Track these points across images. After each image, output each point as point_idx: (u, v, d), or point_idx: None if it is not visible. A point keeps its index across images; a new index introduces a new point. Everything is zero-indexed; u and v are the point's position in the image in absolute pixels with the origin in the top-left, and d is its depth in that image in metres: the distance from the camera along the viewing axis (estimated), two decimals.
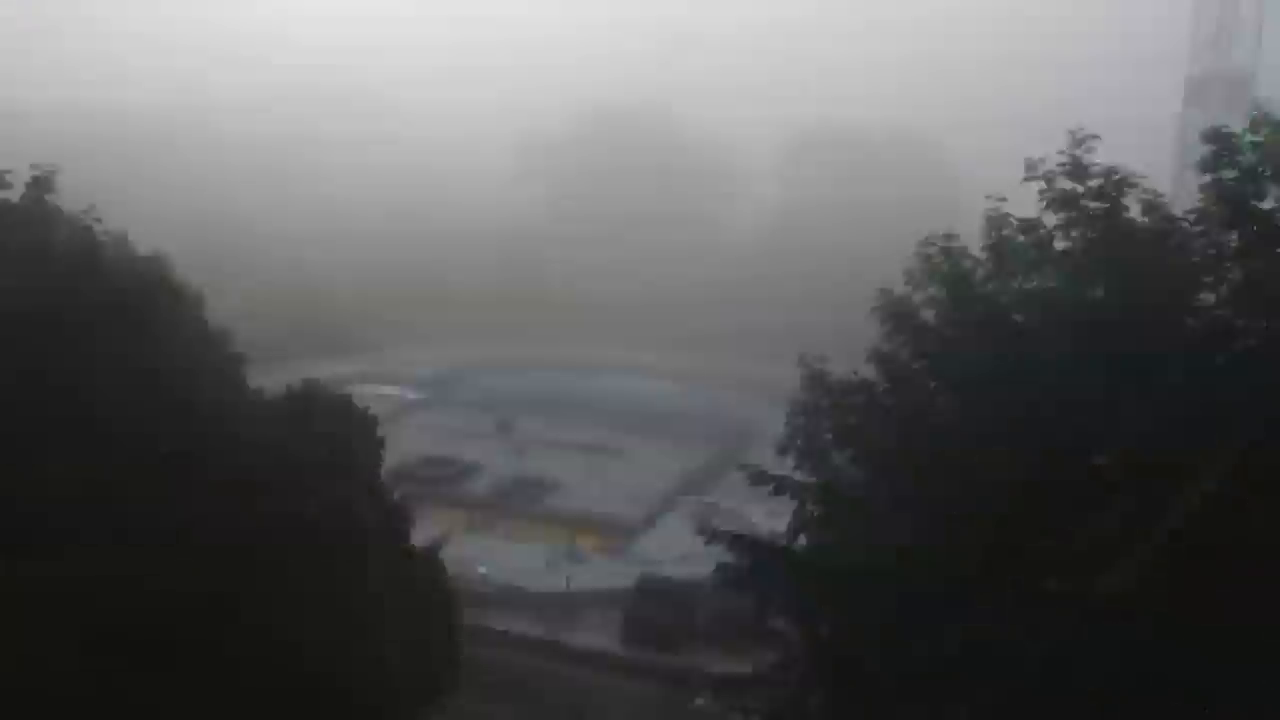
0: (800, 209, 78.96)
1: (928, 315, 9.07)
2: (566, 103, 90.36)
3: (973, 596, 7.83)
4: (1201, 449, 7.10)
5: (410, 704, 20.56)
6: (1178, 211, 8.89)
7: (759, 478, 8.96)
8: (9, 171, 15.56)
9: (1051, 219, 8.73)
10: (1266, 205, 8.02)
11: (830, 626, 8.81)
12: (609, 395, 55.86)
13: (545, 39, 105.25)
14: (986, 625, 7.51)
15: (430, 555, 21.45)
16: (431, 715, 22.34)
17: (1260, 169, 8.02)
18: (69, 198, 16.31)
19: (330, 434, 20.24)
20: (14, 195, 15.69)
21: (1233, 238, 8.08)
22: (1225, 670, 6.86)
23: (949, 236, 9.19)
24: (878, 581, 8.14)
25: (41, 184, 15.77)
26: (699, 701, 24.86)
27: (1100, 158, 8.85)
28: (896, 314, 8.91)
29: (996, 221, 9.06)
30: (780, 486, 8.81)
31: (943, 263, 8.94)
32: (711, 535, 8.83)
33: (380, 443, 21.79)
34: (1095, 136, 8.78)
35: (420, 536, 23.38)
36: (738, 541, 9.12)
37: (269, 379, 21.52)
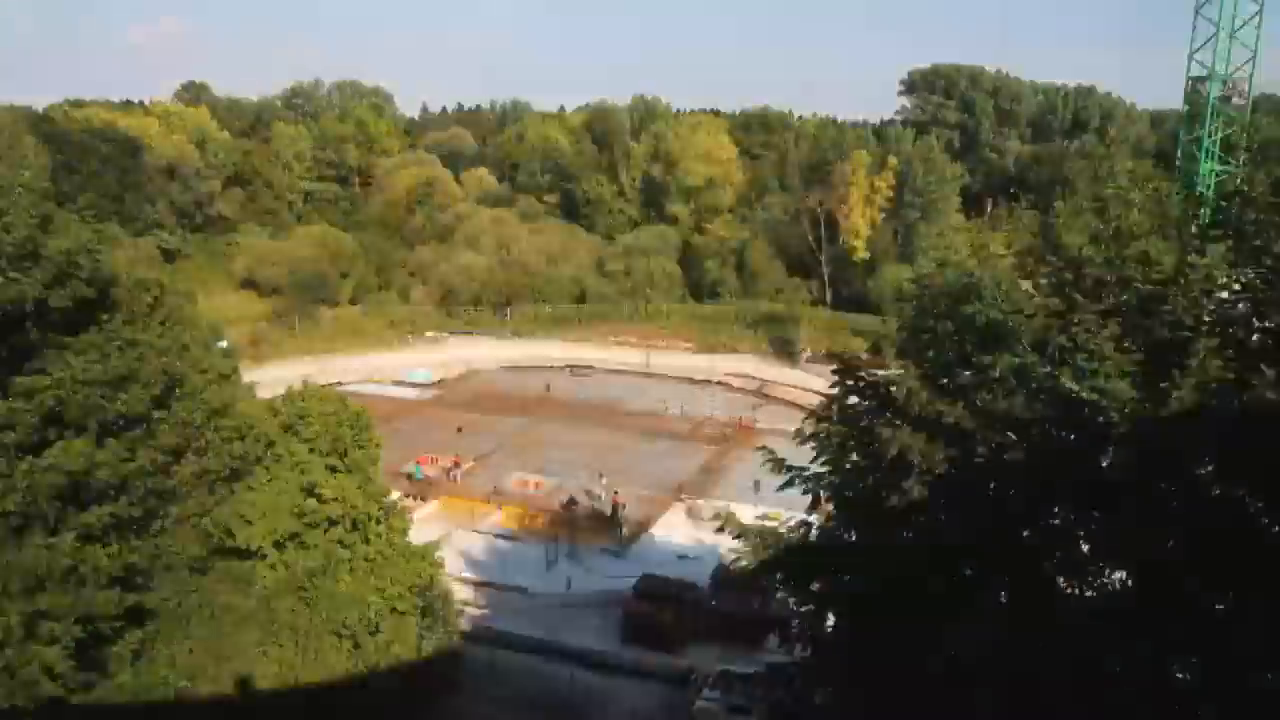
0: None
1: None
2: None
3: (974, 596, 7.81)
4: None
5: (410, 703, 20.53)
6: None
7: (776, 465, 8.93)
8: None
9: None
10: None
11: (835, 622, 8.77)
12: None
13: None
14: (987, 624, 7.48)
15: (429, 554, 21.41)
16: (431, 715, 22.32)
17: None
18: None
19: (328, 432, 20.23)
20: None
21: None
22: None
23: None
24: (883, 578, 8.12)
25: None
26: (700, 702, 24.82)
27: None
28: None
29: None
30: (795, 478, 8.77)
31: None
32: (720, 528, 8.81)
33: (378, 440, 21.77)
34: None
35: (420, 535, 23.42)
36: (743, 535, 9.10)
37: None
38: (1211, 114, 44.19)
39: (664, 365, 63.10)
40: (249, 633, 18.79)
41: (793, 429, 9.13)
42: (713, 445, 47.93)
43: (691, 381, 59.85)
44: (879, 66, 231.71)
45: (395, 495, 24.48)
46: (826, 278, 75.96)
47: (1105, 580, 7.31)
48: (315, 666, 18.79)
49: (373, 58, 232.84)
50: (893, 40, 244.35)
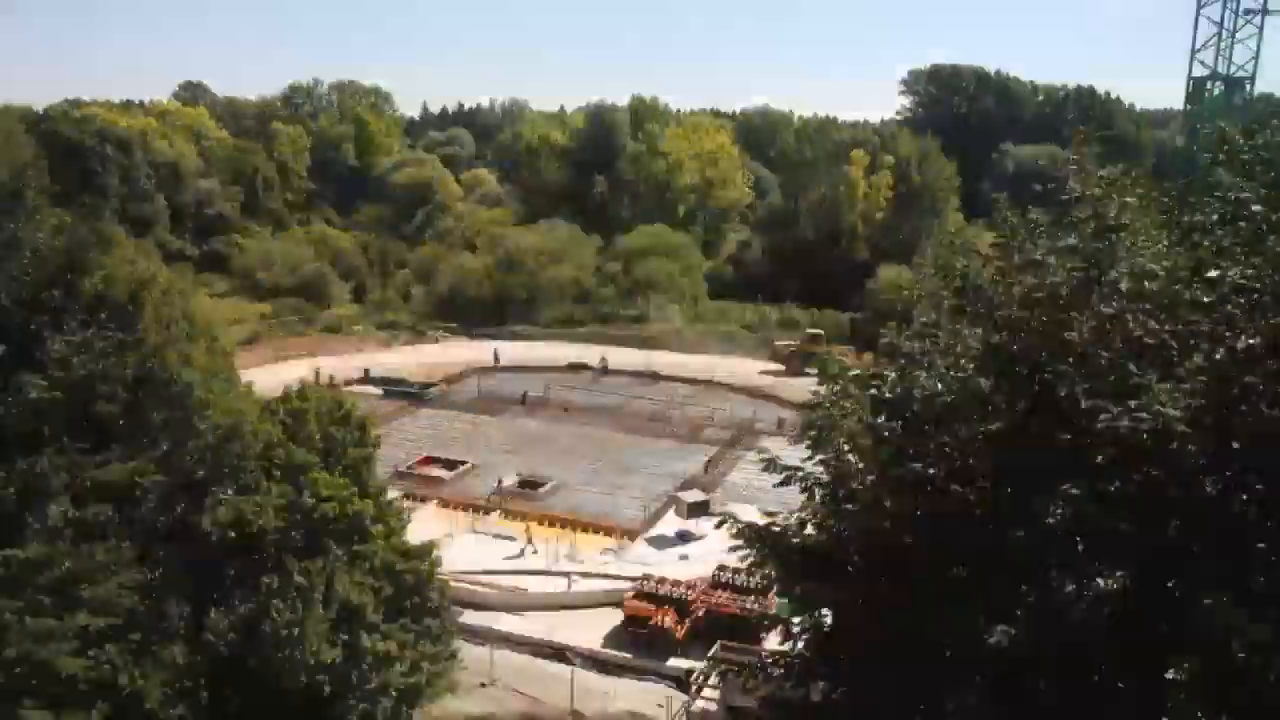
0: None
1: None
2: None
3: (972, 592, 7.78)
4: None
5: (409, 704, 20.46)
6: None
7: (771, 465, 8.88)
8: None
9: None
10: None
11: (834, 618, 8.72)
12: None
13: None
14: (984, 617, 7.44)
15: (428, 554, 21.33)
16: (430, 715, 22.25)
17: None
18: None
19: (325, 433, 20.16)
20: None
21: None
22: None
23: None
24: (883, 574, 8.08)
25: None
26: (700, 703, 24.79)
27: None
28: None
29: None
30: (790, 476, 8.72)
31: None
32: (721, 521, 8.78)
33: (375, 441, 21.70)
34: None
35: (419, 535, 23.32)
36: (744, 532, 9.05)
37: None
38: (1213, 114, 44.26)
39: (663, 365, 63.05)
40: None
41: (791, 429, 9.09)
42: (714, 445, 47.87)
43: (693, 382, 59.77)
44: (879, 66, 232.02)
45: (393, 495, 24.41)
46: (826, 278, 75.96)
47: (1103, 581, 7.23)
48: (312, 666, 18.72)
49: (372, 58, 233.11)
50: (893, 40, 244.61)
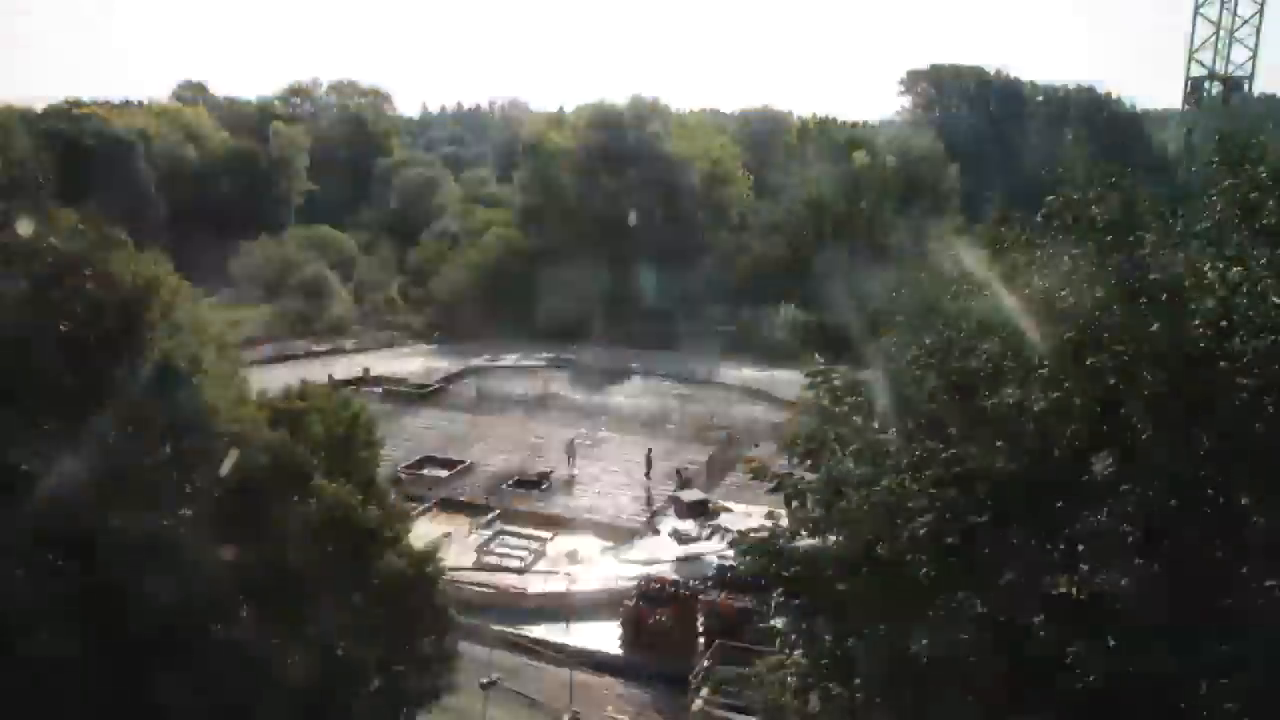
0: None
1: None
2: None
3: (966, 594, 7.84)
4: None
5: (409, 705, 20.50)
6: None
7: (760, 473, 8.93)
8: None
9: None
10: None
11: (829, 624, 8.77)
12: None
13: None
14: (976, 625, 7.50)
15: (428, 555, 21.35)
16: (430, 715, 22.28)
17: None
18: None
19: (329, 434, 20.18)
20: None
21: None
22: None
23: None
24: (876, 580, 8.13)
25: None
26: (699, 703, 24.85)
27: None
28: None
29: None
30: (781, 484, 8.76)
31: None
32: (713, 531, 8.83)
33: (379, 441, 21.73)
34: None
35: (419, 536, 23.37)
36: (740, 541, 9.10)
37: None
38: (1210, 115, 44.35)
39: (663, 367, 63.12)
40: None
41: (789, 430, 9.14)
42: (713, 445, 47.91)
43: (691, 382, 59.82)
44: (879, 66, 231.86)
45: (393, 495, 24.45)
46: (825, 278, 75.91)
47: (1100, 582, 7.30)
48: (313, 667, 18.76)
49: (372, 57, 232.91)
50: (893, 40, 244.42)
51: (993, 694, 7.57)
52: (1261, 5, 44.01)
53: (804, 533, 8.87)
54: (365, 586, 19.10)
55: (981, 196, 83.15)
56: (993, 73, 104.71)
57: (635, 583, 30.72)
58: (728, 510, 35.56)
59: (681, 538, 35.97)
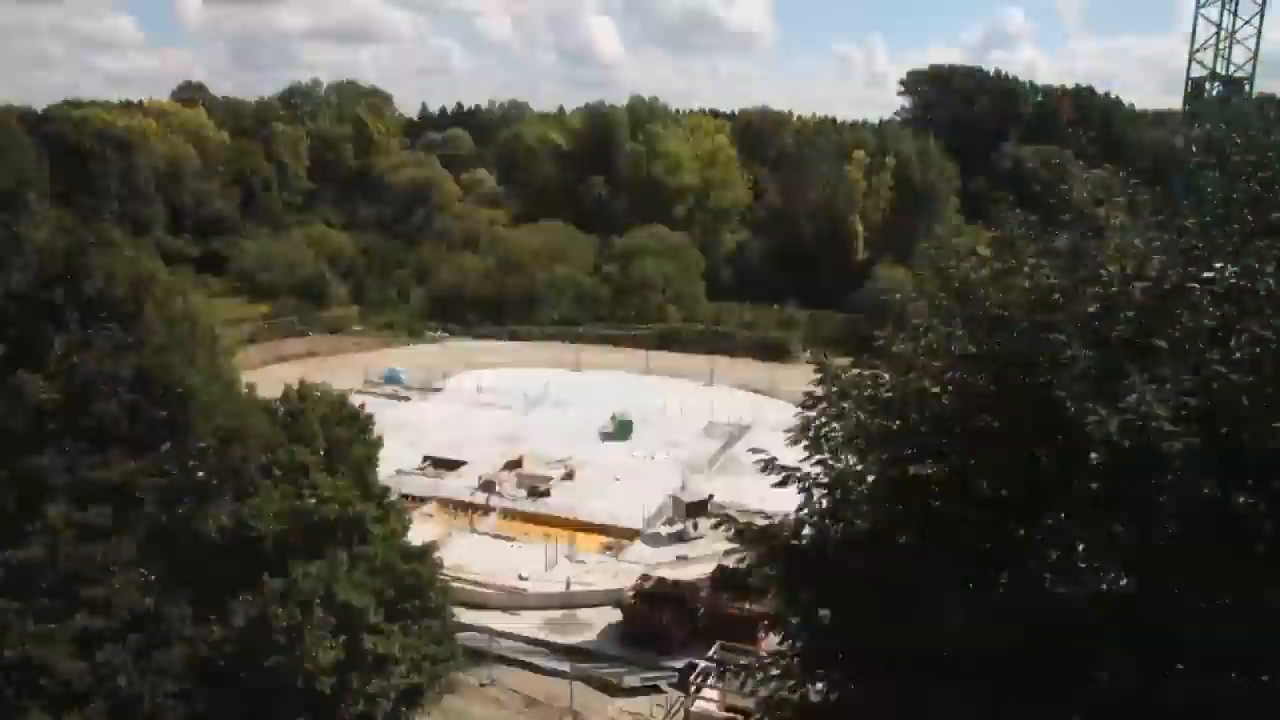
0: None
1: None
2: None
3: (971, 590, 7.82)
4: None
5: (409, 705, 20.48)
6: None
7: (768, 466, 8.88)
8: None
9: None
10: None
11: (831, 618, 8.73)
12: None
13: None
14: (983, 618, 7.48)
15: (428, 554, 21.35)
16: (430, 716, 22.27)
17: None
18: None
19: (327, 432, 20.18)
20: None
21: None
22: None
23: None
24: (881, 574, 8.10)
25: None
26: (699, 703, 24.81)
27: None
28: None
29: None
30: (788, 477, 8.72)
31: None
32: (718, 522, 8.81)
33: (377, 442, 21.71)
34: None
35: (419, 535, 23.36)
36: (742, 533, 9.05)
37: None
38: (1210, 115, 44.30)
39: (662, 366, 63.09)
40: None
41: (789, 429, 9.09)
42: (713, 446, 47.93)
43: (690, 381, 59.80)
44: (879, 66, 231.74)
45: (393, 495, 24.43)
46: (825, 278, 76.00)
47: (1101, 583, 7.27)
48: (313, 668, 18.74)
49: (372, 57, 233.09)
50: (893, 40, 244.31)
51: (993, 687, 7.54)
52: (1262, 5, 43.95)
53: (807, 525, 8.83)
54: (361, 583, 19.07)
55: (981, 196, 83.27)
56: (992, 73, 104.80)
57: (634, 582, 30.71)
58: (727, 509, 35.54)
59: (681, 537, 35.98)
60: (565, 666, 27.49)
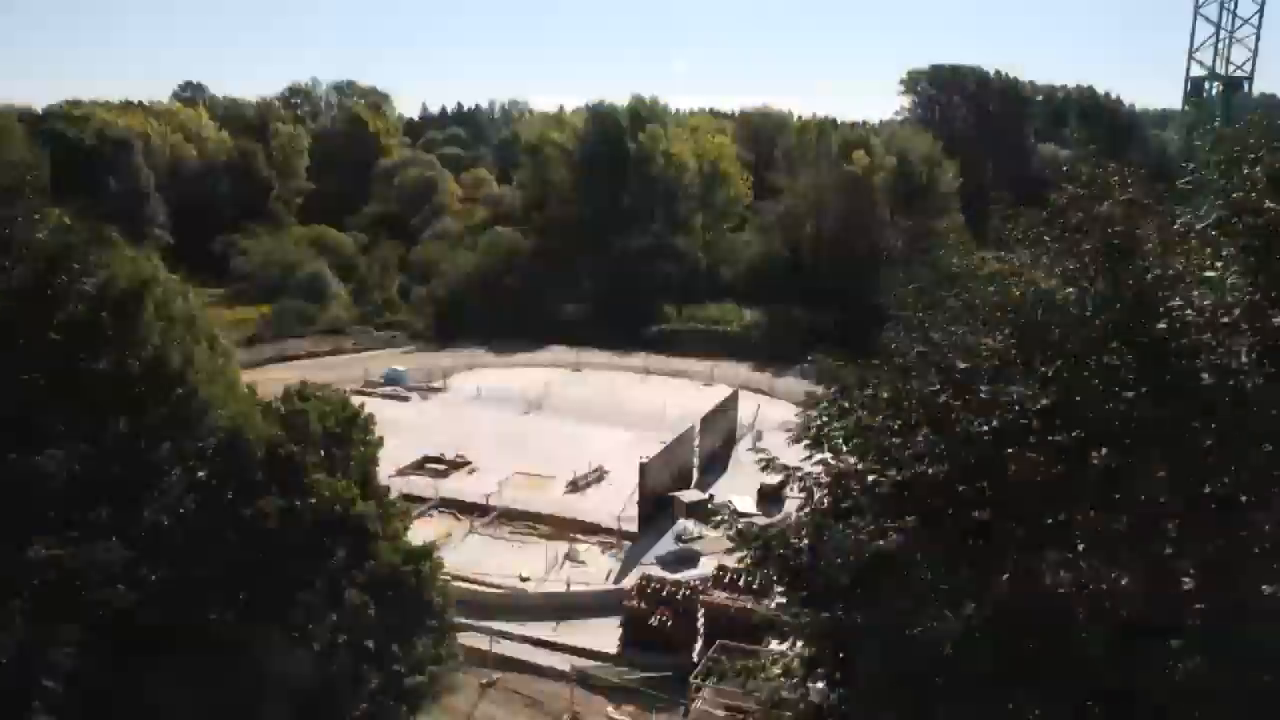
0: None
1: None
2: None
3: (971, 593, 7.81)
4: None
5: (410, 705, 20.47)
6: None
7: (770, 464, 8.91)
8: None
9: None
10: None
11: (831, 616, 8.74)
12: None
13: None
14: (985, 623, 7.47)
15: (429, 554, 21.33)
16: (431, 716, 22.27)
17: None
18: None
19: (329, 432, 20.16)
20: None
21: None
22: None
23: None
24: (882, 574, 8.11)
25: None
26: (698, 703, 24.81)
27: None
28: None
29: None
30: (789, 476, 8.75)
31: None
32: (719, 524, 8.84)
33: (378, 442, 21.69)
34: None
35: (420, 534, 23.33)
36: (742, 533, 9.08)
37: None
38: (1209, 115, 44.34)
39: (662, 366, 63.08)
40: None
41: (790, 429, 9.11)
42: (713, 445, 47.89)
43: (690, 380, 59.80)
44: (879, 66, 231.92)
45: (394, 495, 24.42)
46: (826, 278, 75.87)
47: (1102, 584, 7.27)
48: (314, 668, 18.74)
49: (371, 57, 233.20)
50: (893, 40, 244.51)
51: (994, 687, 7.54)
52: (1261, 5, 43.98)
53: (807, 524, 8.85)
54: (362, 583, 19.06)
55: (981, 196, 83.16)
56: (992, 73, 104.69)
57: (635, 582, 30.70)
58: (727, 507, 35.47)
59: (681, 537, 35.96)
60: (566, 667, 27.50)
